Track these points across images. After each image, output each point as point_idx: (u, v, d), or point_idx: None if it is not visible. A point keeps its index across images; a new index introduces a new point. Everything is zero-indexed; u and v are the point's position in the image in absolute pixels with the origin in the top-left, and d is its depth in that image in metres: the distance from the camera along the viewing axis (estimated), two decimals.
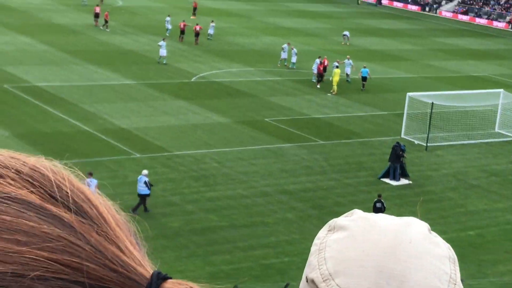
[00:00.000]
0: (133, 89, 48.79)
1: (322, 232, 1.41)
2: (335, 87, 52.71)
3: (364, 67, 55.65)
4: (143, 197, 31.03)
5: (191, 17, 74.56)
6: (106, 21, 66.33)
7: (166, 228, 29.73)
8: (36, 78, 48.31)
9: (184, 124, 42.69)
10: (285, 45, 60.96)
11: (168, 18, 67.55)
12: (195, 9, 78.85)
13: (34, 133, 37.61)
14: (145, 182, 30.89)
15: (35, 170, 1.12)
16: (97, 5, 69.50)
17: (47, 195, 1.09)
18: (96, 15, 67.51)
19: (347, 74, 55.97)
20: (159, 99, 46.81)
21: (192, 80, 53.19)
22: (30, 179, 1.11)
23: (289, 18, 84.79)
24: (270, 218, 31.84)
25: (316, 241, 1.40)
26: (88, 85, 48.35)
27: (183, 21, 66.57)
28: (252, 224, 31.00)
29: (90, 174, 30.15)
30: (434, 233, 1.41)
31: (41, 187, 1.10)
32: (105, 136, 39.05)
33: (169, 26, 66.30)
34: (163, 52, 55.79)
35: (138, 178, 31.30)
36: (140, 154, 37.20)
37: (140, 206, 30.89)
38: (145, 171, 31.74)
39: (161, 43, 56.20)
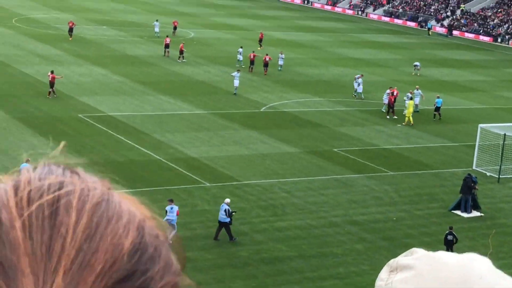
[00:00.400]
0: (203, 118, 49.35)
1: (383, 274, 1.39)
2: (410, 119, 52.28)
3: (438, 97, 55.24)
4: (224, 225, 31.40)
5: (259, 48, 75.15)
6: (181, 52, 67.44)
7: (235, 257, 29.88)
8: (110, 108, 49.34)
9: (253, 153, 42.93)
10: (358, 76, 60.94)
11: (240, 50, 68.29)
12: (261, 40, 79.49)
13: (107, 161, 38.35)
14: (225, 210, 31.27)
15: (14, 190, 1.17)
16: (167, 36, 70.72)
17: None
18: (167, 46, 68.71)
19: (416, 104, 55.51)
20: (229, 129, 47.22)
21: (262, 110, 53.50)
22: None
23: (359, 49, 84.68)
24: (339, 249, 31.67)
25: (379, 282, 1.38)
26: (159, 115, 49.13)
27: (253, 52, 67.21)
28: (321, 254, 30.89)
29: (171, 201, 30.76)
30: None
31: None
32: (175, 165, 39.56)
33: (241, 58, 66.96)
34: (236, 82, 56.50)
35: (221, 205, 31.78)
36: (209, 183, 37.53)
37: (230, 231, 31.34)
38: (227, 200, 32.26)
39: (235, 74, 56.93)
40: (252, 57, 65.54)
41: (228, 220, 31.39)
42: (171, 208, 30.21)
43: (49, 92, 50.07)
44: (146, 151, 41.41)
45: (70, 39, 71.40)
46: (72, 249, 1.10)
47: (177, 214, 30.30)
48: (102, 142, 42.19)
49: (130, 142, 42.67)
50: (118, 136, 43.53)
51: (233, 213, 31.73)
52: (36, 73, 56.31)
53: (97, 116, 47.20)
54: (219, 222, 31.50)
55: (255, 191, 37.06)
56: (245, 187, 37.45)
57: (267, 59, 65.29)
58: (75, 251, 1.10)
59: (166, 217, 29.65)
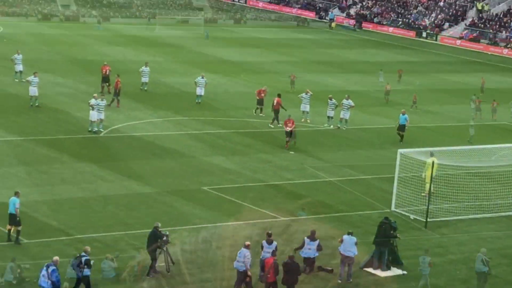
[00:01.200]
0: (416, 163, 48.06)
1: None
2: None
3: None
4: (483, 274, 30.00)
5: (481, 94, 73.59)
6: (414, 102, 67.87)
7: None
8: (333, 157, 49.75)
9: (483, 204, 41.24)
10: None
11: (473, 97, 67.67)
12: (482, 87, 77.73)
13: (324, 205, 38.32)
14: (482, 260, 29.87)
15: None
16: (388, 83, 71.76)
17: None
18: (387, 93, 69.90)
19: None
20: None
21: (493, 158, 51.49)
22: None
23: None
24: None
25: None
26: (390, 165, 48.60)
27: (478, 98, 66.65)
28: None
29: (426, 251, 30.43)
30: None
31: None
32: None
33: (473, 105, 66.09)
34: (472, 131, 55.95)
35: (477, 255, 30.37)
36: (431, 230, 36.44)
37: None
38: (483, 249, 30.70)
39: (472, 123, 56.79)
40: (477, 103, 65.23)
41: (485, 269, 29.81)
42: (424, 259, 29.98)
43: (287, 142, 51.07)
44: (362, 196, 41.12)
45: (291, 89, 72.03)
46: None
47: (430, 265, 29.88)
48: (326, 190, 42.35)
49: (342, 185, 42.81)
50: (341, 185, 43.57)
51: (489, 260, 30.15)
52: (260, 125, 57.63)
53: (320, 165, 47.47)
54: (477, 272, 30.09)
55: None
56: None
57: (495, 104, 64.80)
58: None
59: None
